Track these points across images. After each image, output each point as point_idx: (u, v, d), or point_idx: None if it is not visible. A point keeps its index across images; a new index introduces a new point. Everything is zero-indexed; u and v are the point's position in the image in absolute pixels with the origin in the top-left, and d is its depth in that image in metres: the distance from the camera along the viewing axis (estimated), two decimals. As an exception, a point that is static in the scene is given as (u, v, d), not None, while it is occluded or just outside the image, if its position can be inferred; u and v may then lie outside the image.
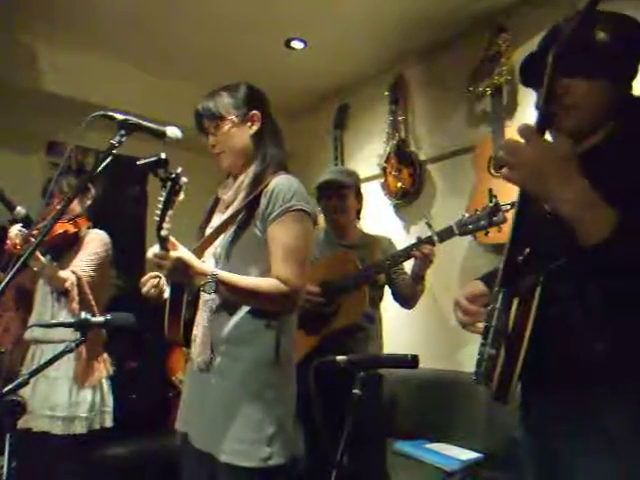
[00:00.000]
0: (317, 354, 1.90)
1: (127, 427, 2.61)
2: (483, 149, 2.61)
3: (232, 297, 1.36)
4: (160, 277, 1.45)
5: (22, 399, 1.27)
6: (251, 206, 1.42)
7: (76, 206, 2.32)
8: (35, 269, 2.10)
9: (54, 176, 2.41)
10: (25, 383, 1.28)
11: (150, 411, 2.90)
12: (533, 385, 1.04)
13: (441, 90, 3.03)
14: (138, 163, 1.26)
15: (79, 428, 2.04)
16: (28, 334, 2.18)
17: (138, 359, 2.88)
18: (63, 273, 2.08)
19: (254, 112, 1.51)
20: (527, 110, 2.54)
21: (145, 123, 1.33)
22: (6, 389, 1.26)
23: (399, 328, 2.68)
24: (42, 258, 2.04)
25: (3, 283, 1.17)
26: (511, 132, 2.51)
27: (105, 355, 2.23)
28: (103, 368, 2.17)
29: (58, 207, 2.25)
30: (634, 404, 0.95)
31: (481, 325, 1.13)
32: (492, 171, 2.54)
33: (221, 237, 1.45)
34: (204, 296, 1.43)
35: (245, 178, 1.47)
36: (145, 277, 1.47)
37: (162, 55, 3.16)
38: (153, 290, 1.44)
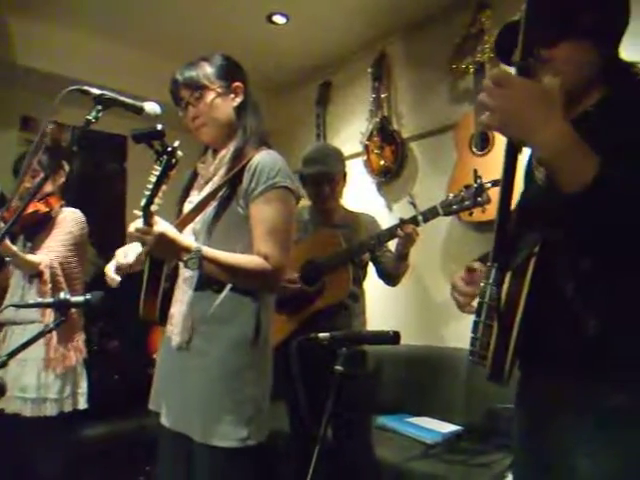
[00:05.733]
0: (302, 332, 1.91)
1: (108, 407, 2.61)
2: (465, 127, 2.62)
3: (215, 274, 1.33)
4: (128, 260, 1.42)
5: (1, 380, 1.25)
6: (233, 182, 1.39)
7: (48, 184, 2.26)
8: (6, 258, 2.05)
9: (28, 153, 2.34)
10: (3, 364, 1.27)
11: (131, 390, 2.89)
12: (529, 361, 1.03)
13: (424, 67, 3.01)
14: (132, 134, 1.22)
15: (49, 410, 2.03)
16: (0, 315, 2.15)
17: (119, 338, 2.86)
18: (35, 257, 2.04)
19: (237, 83, 1.47)
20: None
21: (122, 98, 1.29)
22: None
23: (382, 305, 2.70)
24: (11, 246, 1.97)
25: None
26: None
27: (80, 339, 2.19)
28: (74, 355, 2.13)
29: (28, 185, 2.22)
30: (630, 384, 0.93)
31: (475, 305, 1.11)
32: (474, 149, 2.55)
33: (201, 214, 1.42)
34: (184, 273, 1.41)
35: (226, 153, 1.44)
36: (108, 267, 1.43)
37: (140, 30, 3.07)
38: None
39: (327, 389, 1.14)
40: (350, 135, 3.34)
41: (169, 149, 1.20)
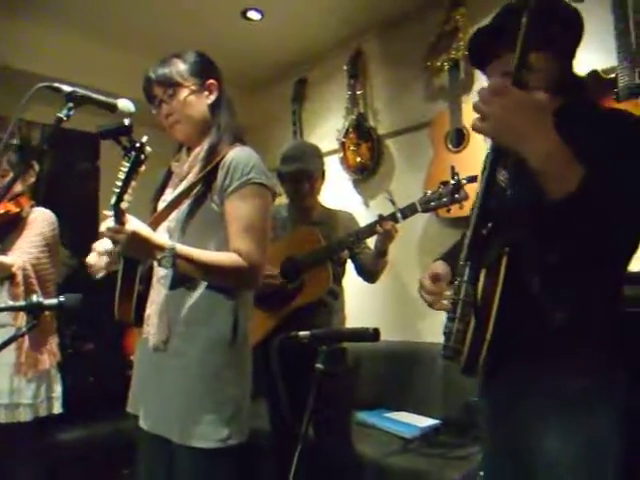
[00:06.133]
0: (281, 330, 1.90)
1: (84, 410, 2.56)
2: (440, 124, 2.64)
3: (190, 272, 1.31)
4: (107, 254, 1.39)
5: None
6: (207, 179, 1.38)
7: (18, 184, 2.20)
8: None
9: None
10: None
11: (107, 393, 2.84)
12: (498, 352, 1.06)
13: (399, 65, 3.03)
14: (98, 130, 1.20)
15: (23, 415, 1.98)
16: None
17: (94, 340, 2.81)
18: (8, 258, 1.99)
19: (211, 81, 1.46)
20: (484, 84, 2.57)
21: (94, 95, 1.26)
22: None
23: (360, 302, 2.71)
24: None
25: None
26: (468, 107, 2.54)
27: (53, 342, 2.14)
28: (47, 359, 2.08)
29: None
30: (593, 370, 1.01)
31: (445, 302, 1.19)
32: (450, 146, 2.57)
33: (175, 211, 1.40)
34: (159, 272, 1.39)
35: (200, 150, 1.42)
36: (90, 257, 1.41)
37: (112, 26, 3.01)
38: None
39: (307, 386, 1.14)
40: (326, 132, 3.34)
41: (137, 145, 1.18)
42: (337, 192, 3.19)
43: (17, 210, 2.08)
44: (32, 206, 2.16)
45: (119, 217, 1.21)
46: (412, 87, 2.95)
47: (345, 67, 3.18)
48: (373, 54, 3.16)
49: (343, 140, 3.14)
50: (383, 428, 2.39)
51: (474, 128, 0.90)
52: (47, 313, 2.10)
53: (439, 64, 2.66)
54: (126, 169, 1.17)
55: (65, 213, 2.24)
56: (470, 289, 1.09)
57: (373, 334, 1.20)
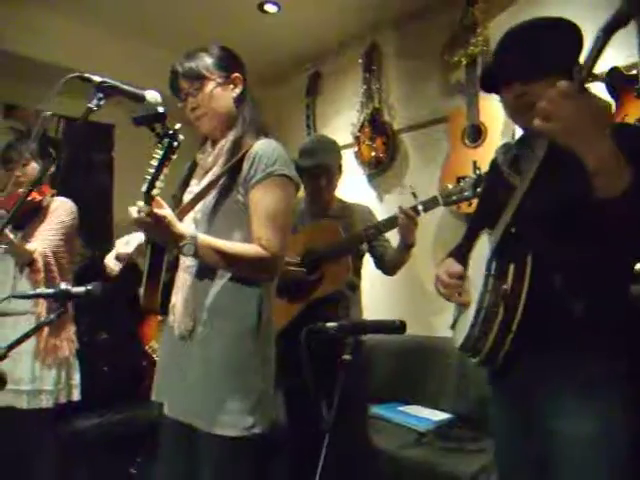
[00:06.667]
0: (301, 321, 1.93)
1: (100, 398, 2.59)
2: (457, 119, 2.64)
3: (213, 261, 1.32)
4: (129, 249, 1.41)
5: (2, 371, 1.24)
6: (233, 171, 1.39)
7: (37, 172, 2.22)
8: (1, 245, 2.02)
9: (17, 142, 2.30)
10: (4, 356, 1.25)
11: (123, 381, 2.88)
12: (518, 341, 1.12)
13: (416, 59, 3.02)
14: (133, 117, 1.21)
15: (45, 402, 2.01)
16: None
17: (109, 330, 2.83)
18: (29, 245, 2.01)
19: (236, 74, 1.47)
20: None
21: (124, 86, 1.28)
22: (-16, 361, 1.23)
23: (374, 296, 2.71)
24: (9, 233, 1.95)
25: None
26: (485, 103, 2.54)
27: (71, 330, 2.17)
28: (66, 346, 2.11)
29: (19, 174, 2.18)
30: (610, 357, 1.09)
31: (463, 297, 1.28)
32: (467, 141, 2.57)
33: (201, 202, 1.42)
34: (185, 262, 1.40)
35: (225, 142, 1.43)
36: (108, 258, 1.42)
37: (129, 18, 3.02)
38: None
39: (324, 377, 1.16)
40: (340, 126, 3.34)
41: (171, 132, 1.19)
42: (351, 186, 3.19)
43: (40, 198, 2.11)
44: (53, 195, 2.19)
45: (149, 202, 1.21)
46: (428, 82, 2.94)
47: (360, 61, 3.18)
48: (389, 48, 3.16)
49: (358, 134, 3.14)
50: (397, 421, 2.40)
51: (538, 128, 0.96)
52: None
53: (456, 59, 2.66)
54: (159, 156, 1.18)
55: (79, 203, 2.26)
56: (497, 283, 1.15)
57: (399, 326, 1.22)
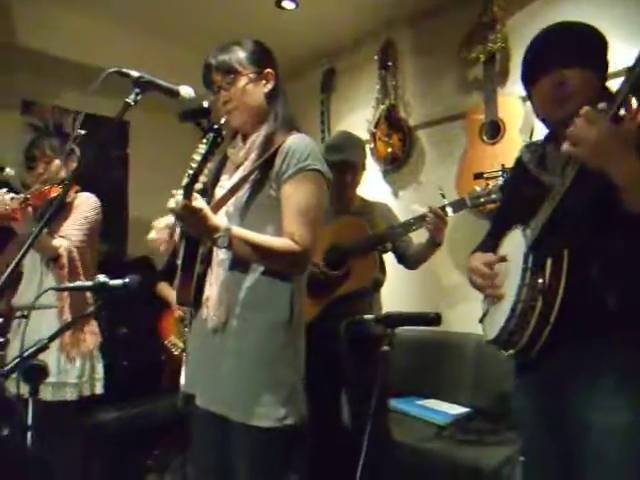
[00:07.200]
0: (326, 316, 1.95)
1: (119, 392, 2.62)
2: (475, 116, 2.65)
3: (245, 254, 1.34)
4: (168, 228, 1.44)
5: (44, 363, 1.26)
6: (265, 166, 1.41)
7: (61, 169, 2.25)
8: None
9: (39, 138, 2.33)
10: (45, 347, 1.28)
11: (142, 376, 2.90)
12: (552, 333, 1.15)
13: (431, 56, 3.03)
14: (180, 111, 1.22)
15: (69, 394, 2.04)
16: (16, 300, 2.13)
17: (128, 324, 2.86)
18: (55, 241, 2.03)
19: (269, 70, 1.49)
20: (519, 77, 2.57)
21: (160, 81, 1.30)
22: (27, 353, 1.26)
23: (391, 290, 2.74)
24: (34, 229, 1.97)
25: (19, 255, 1.14)
26: (503, 100, 2.55)
27: (94, 324, 2.19)
28: (90, 339, 2.14)
29: (41, 171, 2.20)
30: None
31: (498, 290, 1.28)
32: (484, 138, 2.58)
33: (234, 197, 1.43)
34: (219, 255, 1.42)
35: (257, 137, 1.45)
36: (150, 234, 1.46)
37: (146, 15, 3.04)
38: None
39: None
40: (355, 123, 3.34)
41: (216, 127, 1.20)
42: (366, 182, 3.19)
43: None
44: (77, 191, 2.21)
45: (188, 195, 1.22)
46: (444, 79, 2.95)
47: (375, 57, 3.19)
48: (404, 45, 3.17)
49: (374, 131, 3.15)
50: (415, 415, 2.43)
51: (567, 152, 1.05)
52: (89, 295, 2.16)
53: (474, 56, 2.67)
54: (203, 150, 1.19)
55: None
56: (534, 277, 1.17)
57: (435, 318, 1.24)
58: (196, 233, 1.36)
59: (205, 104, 1.22)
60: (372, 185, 3.22)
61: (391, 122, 3.08)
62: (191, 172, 1.20)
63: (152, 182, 3.71)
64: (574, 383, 1.16)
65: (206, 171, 1.21)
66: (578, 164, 1.09)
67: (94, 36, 3.04)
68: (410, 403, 2.54)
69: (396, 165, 3.11)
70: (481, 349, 2.57)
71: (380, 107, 3.14)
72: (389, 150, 3.08)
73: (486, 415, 2.34)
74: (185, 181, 1.21)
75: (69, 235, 2.08)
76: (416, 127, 3.08)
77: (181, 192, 1.23)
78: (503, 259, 1.27)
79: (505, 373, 2.31)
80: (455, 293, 2.82)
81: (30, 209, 1.96)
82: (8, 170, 2.10)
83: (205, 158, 1.19)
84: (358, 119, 3.32)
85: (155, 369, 2.90)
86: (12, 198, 1.93)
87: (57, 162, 2.20)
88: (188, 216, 1.25)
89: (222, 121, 1.22)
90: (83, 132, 2.32)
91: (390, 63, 3.14)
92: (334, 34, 3.28)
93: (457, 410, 2.41)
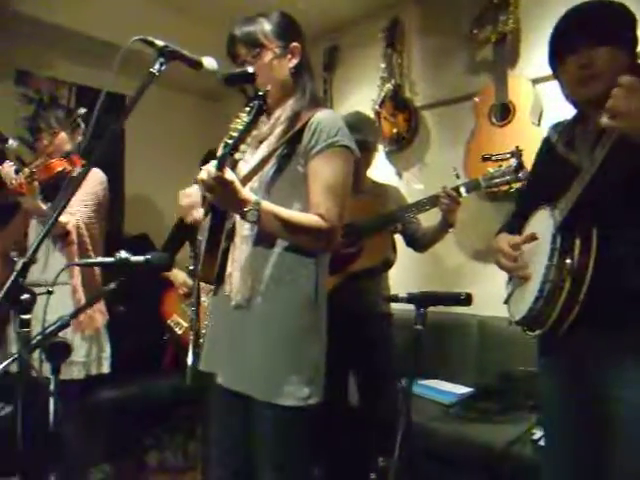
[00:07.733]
0: (337, 293, 1.94)
1: (122, 371, 2.60)
2: (484, 97, 2.63)
3: (273, 229, 1.32)
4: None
5: (67, 341, 1.24)
6: (293, 141, 1.38)
7: (66, 142, 2.19)
8: (34, 214, 1.99)
9: (41, 111, 2.27)
10: (67, 324, 1.25)
11: (144, 355, 2.88)
12: (579, 316, 1.16)
13: (439, 35, 2.99)
14: (226, 76, 1.18)
15: (76, 373, 2.02)
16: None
17: (131, 304, 2.82)
18: (62, 217, 1.98)
19: (295, 44, 1.45)
20: (530, 59, 2.56)
21: (184, 52, 1.26)
22: (49, 330, 1.23)
23: (397, 272, 2.74)
24: (42, 205, 1.92)
25: (41, 235, 1.11)
26: (514, 81, 2.54)
27: (102, 302, 2.17)
28: (99, 317, 2.12)
29: (46, 142, 2.14)
30: None
31: (525, 271, 1.28)
32: (494, 120, 2.57)
33: (259, 172, 1.41)
34: (242, 231, 1.40)
35: (283, 112, 1.42)
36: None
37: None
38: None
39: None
40: (358, 101, 3.29)
41: (260, 93, 1.16)
42: (370, 162, 3.18)
43: (71, 169, 2.06)
44: (83, 166, 2.14)
45: (221, 166, 1.18)
46: (452, 59, 2.92)
47: (381, 35, 3.14)
48: (411, 24, 3.12)
49: (379, 110, 3.11)
50: (420, 394, 2.45)
51: (606, 126, 1.04)
52: (97, 272, 2.12)
53: (484, 36, 2.64)
54: (247, 119, 1.14)
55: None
56: (563, 257, 1.18)
57: (466, 299, 1.24)
58: (225, 206, 1.33)
59: (250, 69, 1.17)
60: (375, 165, 3.20)
61: (396, 102, 3.05)
62: (230, 142, 1.15)
63: (147, 158, 3.64)
64: (603, 361, 1.18)
65: (249, 140, 1.17)
66: (609, 144, 1.08)
67: (95, 4, 2.92)
68: (414, 383, 2.55)
69: (401, 145, 3.09)
70: (484, 330, 2.60)
71: (385, 86, 3.10)
72: (394, 130, 3.05)
73: (490, 394, 2.37)
74: (222, 151, 1.17)
75: (77, 211, 2.03)
76: (422, 107, 3.06)
77: (214, 163, 1.20)
78: (533, 237, 1.26)
79: (507, 354, 2.37)
80: (458, 274, 2.84)
81: (36, 183, 1.90)
82: (11, 142, 2.03)
83: (249, 127, 1.15)
84: (362, 98, 3.28)
85: (157, 348, 2.89)
86: (18, 172, 1.88)
87: (63, 134, 2.14)
88: (219, 188, 1.21)
89: (268, 88, 1.17)
90: (84, 110, 2.25)
91: (396, 42, 3.09)
92: (337, 10, 3.21)
93: (461, 390, 2.44)
